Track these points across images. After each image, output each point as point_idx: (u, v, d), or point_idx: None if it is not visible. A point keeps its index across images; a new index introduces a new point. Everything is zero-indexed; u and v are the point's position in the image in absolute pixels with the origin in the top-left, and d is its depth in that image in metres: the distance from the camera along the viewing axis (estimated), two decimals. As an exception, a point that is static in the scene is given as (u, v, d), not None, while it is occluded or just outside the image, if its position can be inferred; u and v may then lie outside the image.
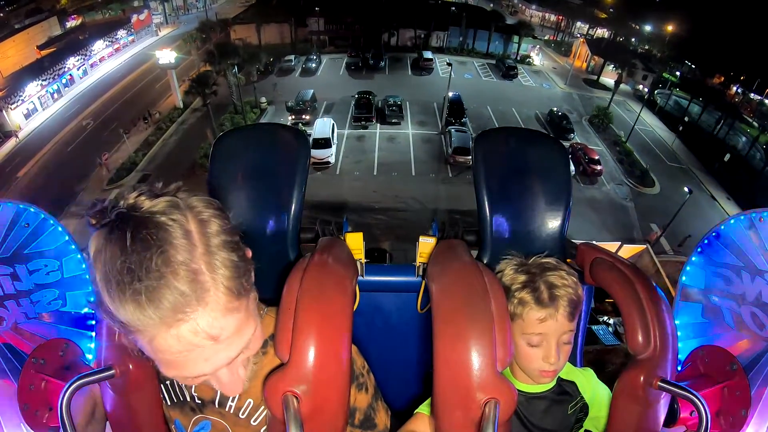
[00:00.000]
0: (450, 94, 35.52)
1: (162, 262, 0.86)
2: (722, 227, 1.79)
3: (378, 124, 35.36)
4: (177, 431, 1.45)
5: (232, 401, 1.36)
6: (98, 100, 39.39)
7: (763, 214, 1.67)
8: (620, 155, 33.71)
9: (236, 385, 1.15)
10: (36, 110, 36.03)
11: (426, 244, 1.90)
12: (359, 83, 41.65)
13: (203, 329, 0.93)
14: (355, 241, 1.90)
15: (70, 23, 47.06)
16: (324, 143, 28.90)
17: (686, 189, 25.31)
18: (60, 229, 1.74)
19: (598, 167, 30.21)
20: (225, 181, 1.87)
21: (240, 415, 1.37)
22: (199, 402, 1.39)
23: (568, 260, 1.79)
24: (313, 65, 46.29)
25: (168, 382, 1.43)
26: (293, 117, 34.31)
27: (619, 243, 19.82)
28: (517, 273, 1.61)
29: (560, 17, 60.73)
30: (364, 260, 1.95)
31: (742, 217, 1.73)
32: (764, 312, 1.66)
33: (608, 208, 28.04)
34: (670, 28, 43.86)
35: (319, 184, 26.78)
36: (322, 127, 30.70)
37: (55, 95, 38.42)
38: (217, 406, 1.38)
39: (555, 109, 38.47)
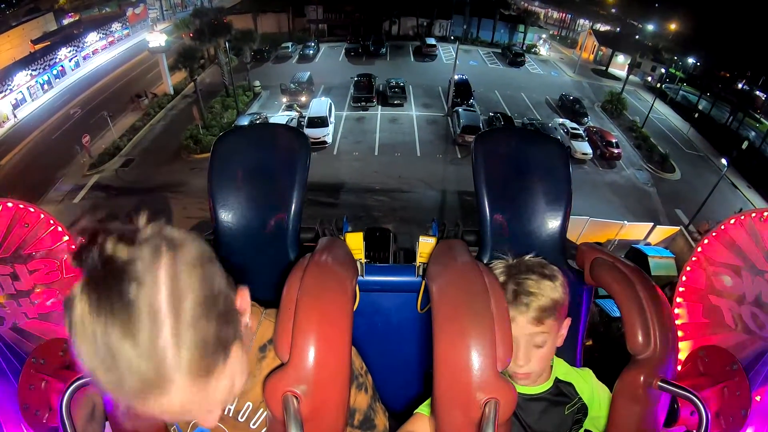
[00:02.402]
0: (456, 76, 35.23)
1: (118, 340, 0.82)
2: (722, 227, 1.83)
3: (379, 106, 35.10)
4: None
5: (231, 404, 1.37)
6: (88, 90, 39.36)
7: (763, 214, 1.72)
8: (637, 140, 33.86)
9: (212, 422, 1.09)
10: (24, 100, 35.92)
11: (426, 244, 1.92)
12: (359, 69, 41.32)
13: (166, 410, 0.92)
14: (355, 241, 1.92)
15: (67, 20, 47.21)
16: (320, 122, 28.80)
17: (724, 161, 25.14)
18: (60, 229, 1.78)
19: (616, 150, 30.32)
20: (225, 181, 1.89)
21: (239, 419, 1.39)
22: None
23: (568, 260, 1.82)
24: (311, 52, 46.32)
25: None
26: (288, 98, 34.15)
27: (652, 224, 19.78)
28: (501, 273, 1.65)
29: (563, 14, 60.77)
30: (364, 260, 1.98)
31: (742, 217, 1.77)
32: (764, 312, 1.70)
33: (630, 192, 27.95)
34: (673, 26, 43.77)
35: (315, 164, 25.90)
36: (318, 106, 30.70)
37: (45, 86, 38.33)
38: None
39: (565, 93, 38.63)
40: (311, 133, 28.36)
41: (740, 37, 39.05)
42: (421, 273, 2.00)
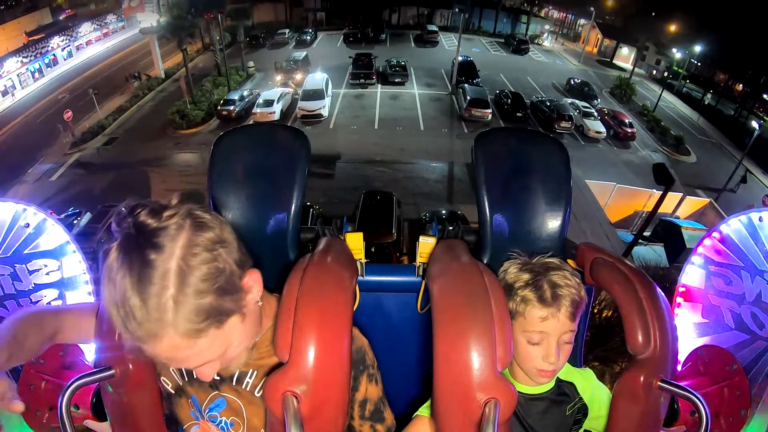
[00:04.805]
0: (460, 57, 35.05)
1: (131, 291, 1.02)
2: (722, 227, 1.87)
3: (379, 85, 34.73)
4: (193, 406, 1.52)
5: (250, 377, 1.45)
6: (79, 77, 39.47)
7: (762, 214, 1.75)
8: (649, 124, 34.15)
9: (208, 375, 1.27)
10: (14, 87, 35.92)
11: (426, 244, 1.94)
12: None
13: (158, 355, 1.11)
14: (355, 241, 1.94)
15: (64, 16, 47.20)
16: (316, 95, 28.66)
17: (754, 123, 24.96)
18: (60, 229, 1.81)
19: (630, 130, 30.54)
20: (225, 181, 1.91)
21: (255, 393, 1.45)
22: (218, 378, 1.46)
23: (568, 260, 1.85)
24: (308, 38, 46.18)
25: None
26: (283, 77, 33.92)
27: (682, 194, 19.60)
28: (520, 271, 1.66)
29: (564, 14, 60.92)
30: (364, 260, 2.01)
31: (741, 217, 1.81)
32: (764, 312, 1.74)
33: (648, 172, 27.23)
34: (673, 28, 43.81)
35: (310, 137, 25.31)
36: (314, 79, 30.64)
37: (36, 74, 38.38)
38: (234, 383, 1.46)
39: (573, 77, 38.98)
40: (306, 105, 28.40)
41: (740, 38, 39.09)
42: (421, 273, 2.02)
